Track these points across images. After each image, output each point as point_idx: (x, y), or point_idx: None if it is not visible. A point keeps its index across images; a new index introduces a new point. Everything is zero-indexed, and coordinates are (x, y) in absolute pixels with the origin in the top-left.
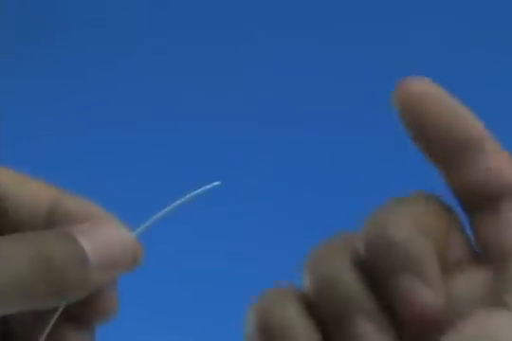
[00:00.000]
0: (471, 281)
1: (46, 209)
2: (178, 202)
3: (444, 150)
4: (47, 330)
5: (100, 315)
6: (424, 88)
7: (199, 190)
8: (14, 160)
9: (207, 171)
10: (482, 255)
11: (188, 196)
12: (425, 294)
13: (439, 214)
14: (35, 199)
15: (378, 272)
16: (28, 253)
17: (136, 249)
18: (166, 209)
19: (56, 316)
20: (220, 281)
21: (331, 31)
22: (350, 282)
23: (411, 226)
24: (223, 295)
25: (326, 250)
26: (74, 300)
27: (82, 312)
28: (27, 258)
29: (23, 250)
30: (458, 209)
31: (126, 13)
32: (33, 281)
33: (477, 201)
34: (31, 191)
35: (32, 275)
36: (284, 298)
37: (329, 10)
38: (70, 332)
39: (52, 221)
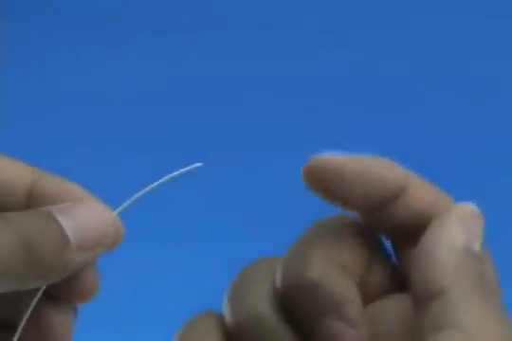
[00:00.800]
0: (394, 311)
1: (25, 190)
2: (159, 181)
3: (365, 207)
4: (29, 310)
5: (81, 295)
6: (331, 159)
7: (180, 171)
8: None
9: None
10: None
11: (168, 176)
12: (348, 333)
13: (358, 243)
14: (13, 179)
15: (299, 312)
16: (8, 234)
17: (116, 228)
18: (146, 189)
19: (38, 297)
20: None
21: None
22: (272, 320)
23: (328, 265)
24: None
25: (247, 283)
26: (55, 281)
27: (63, 292)
28: (7, 239)
29: (2, 231)
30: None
31: None
32: (14, 262)
33: (401, 238)
34: (9, 171)
35: (13, 256)
36: (206, 332)
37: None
38: (51, 312)
39: (31, 201)
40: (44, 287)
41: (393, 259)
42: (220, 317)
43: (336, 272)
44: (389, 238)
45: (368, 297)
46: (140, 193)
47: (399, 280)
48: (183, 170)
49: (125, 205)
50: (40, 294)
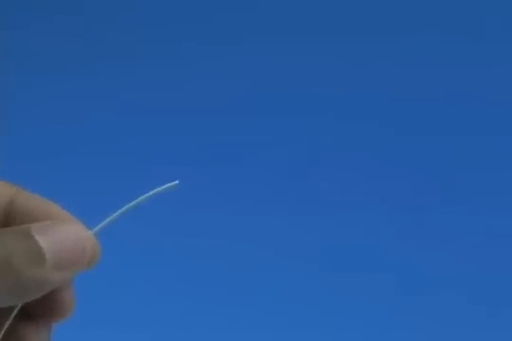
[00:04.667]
0: None
1: (4, 207)
2: (136, 201)
3: None
4: (4, 329)
5: (57, 315)
6: None
7: (157, 190)
8: None
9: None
10: None
11: (145, 195)
12: None
13: None
14: None
15: None
16: None
17: (93, 248)
18: (124, 208)
19: (13, 315)
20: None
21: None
22: None
23: None
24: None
25: None
26: (31, 299)
27: (39, 311)
28: None
29: None
30: None
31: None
32: None
33: None
34: None
35: None
36: None
37: None
38: (27, 330)
39: (10, 219)
40: (19, 305)
41: None
42: None
43: None
44: None
45: None
46: (118, 213)
47: None
48: (160, 188)
49: (103, 224)
50: (15, 312)
